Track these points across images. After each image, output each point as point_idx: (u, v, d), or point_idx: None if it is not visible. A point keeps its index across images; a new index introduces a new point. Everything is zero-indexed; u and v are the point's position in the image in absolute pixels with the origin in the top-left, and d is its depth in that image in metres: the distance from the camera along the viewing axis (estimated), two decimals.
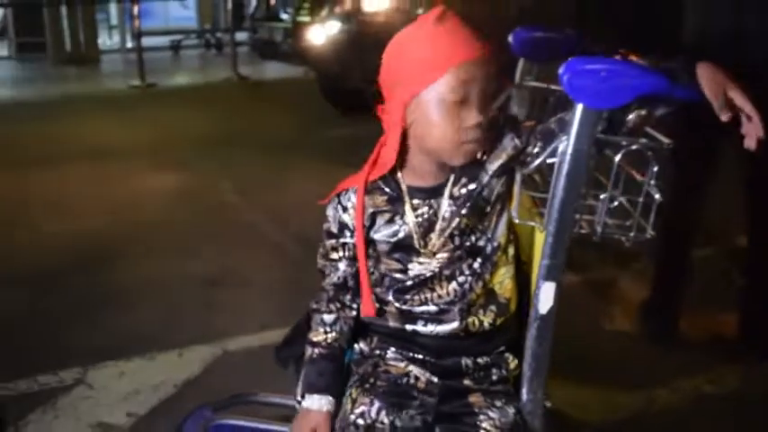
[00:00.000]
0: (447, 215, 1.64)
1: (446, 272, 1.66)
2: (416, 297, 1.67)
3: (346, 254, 1.71)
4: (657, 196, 1.59)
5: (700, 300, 3.47)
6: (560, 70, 1.48)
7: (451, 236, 1.64)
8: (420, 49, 1.54)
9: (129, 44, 14.73)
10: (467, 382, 1.68)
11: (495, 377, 1.70)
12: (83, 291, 3.80)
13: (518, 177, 1.64)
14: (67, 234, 4.57)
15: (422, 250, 1.65)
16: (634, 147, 1.55)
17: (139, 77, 10.65)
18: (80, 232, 4.62)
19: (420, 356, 1.69)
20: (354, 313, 1.74)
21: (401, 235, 1.66)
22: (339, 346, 1.73)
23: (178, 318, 3.55)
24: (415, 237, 1.65)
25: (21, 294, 3.77)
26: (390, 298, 1.69)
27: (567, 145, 1.50)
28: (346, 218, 1.68)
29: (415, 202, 1.65)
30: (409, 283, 1.67)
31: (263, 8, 8.66)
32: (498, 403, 1.66)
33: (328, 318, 1.73)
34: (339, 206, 1.70)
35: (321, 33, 7.35)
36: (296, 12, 7.81)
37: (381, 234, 1.67)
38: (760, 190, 3.08)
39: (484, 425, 1.62)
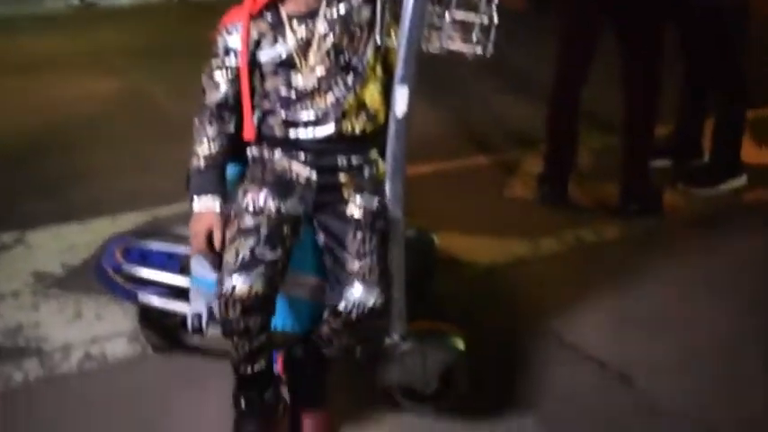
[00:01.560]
0: (322, 33, 1.94)
1: (324, 86, 1.96)
2: (299, 107, 1.97)
3: (229, 76, 2.00)
4: (495, 17, 1.89)
5: (590, 174, 3.89)
6: None
7: (327, 53, 1.94)
8: None
9: None
10: (342, 177, 2.00)
11: (366, 175, 2.02)
12: (22, 173, 4.03)
13: (379, 5, 1.93)
14: (12, 129, 4.74)
15: (302, 66, 1.95)
16: None
17: None
18: (21, 129, 4.81)
19: (302, 157, 1.99)
20: (232, 129, 2.03)
21: (284, 55, 1.95)
22: (221, 158, 2.03)
23: (112, 194, 3.79)
24: (295, 55, 1.94)
25: None
26: (277, 109, 1.98)
27: None
28: (231, 41, 1.97)
29: (295, 25, 1.94)
30: (293, 96, 1.97)
31: None
32: (366, 194, 1.98)
33: (211, 131, 2.02)
34: (225, 32, 1.98)
35: None
36: None
37: (267, 55, 1.97)
38: (631, 74, 3.47)
39: (350, 208, 1.96)
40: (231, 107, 2.02)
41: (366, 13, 1.96)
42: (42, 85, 5.98)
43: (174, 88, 5.77)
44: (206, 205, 1.98)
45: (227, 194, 2.02)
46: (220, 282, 1.85)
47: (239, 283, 1.83)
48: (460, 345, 2.20)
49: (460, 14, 1.88)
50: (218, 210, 1.97)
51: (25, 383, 2.44)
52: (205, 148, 2.01)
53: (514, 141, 4.50)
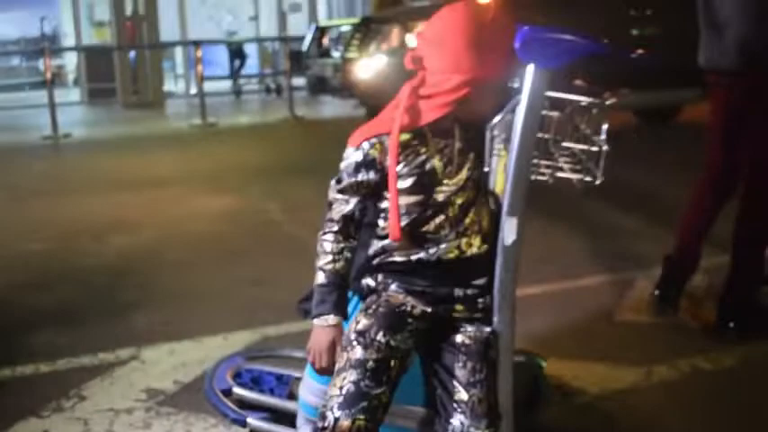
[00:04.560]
0: (462, 148, 1.96)
1: (458, 200, 1.95)
2: (431, 221, 1.95)
3: (362, 191, 1.99)
4: (605, 147, 1.89)
5: (702, 295, 3.80)
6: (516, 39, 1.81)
7: (465, 167, 1.95)
8: (496, 45, 1.85)
9: (193, 90, 15.42)
10: (457, 308, 1.98)
11: (480, 305, 2.00)
12: (138, 287, 4.19)
13: (488, 134, 1.96)
14: (134, 244, 4.99)
15: (443, 179, 1.95)
16: (582, 103, 1.86)
17: (201, 117, 11.22)
18: (139, 243, 5.03)
19: (419, 288, 1.98)
20: (356, 244, 2.03)
21: (427, 166, 1.94)
22: (344, 272, 2.01)
23: (225, 310, 3.89)
24: (438, 167, 1.95)
25: (91, 288, 4.20)
26: (407, 226, 1.96)
27: (521, 101, 1.82)
28: (371, 154, 1.95)
29: (436, 139, 1.95)
30: (429, 212, 1.95)
31: (316, 46, 9.40)
32: (477, 323, 1.96)
33: (335, 247, 2.00)
34: (368, 145, 1.96)
35: (368, 67, 7.80)
36: (345, 48, 8.35)
37: (409, 167, 1.94)
38: (744, 208, 3.45)
39: (459, 335, 1.94)
40: (357, 222, 2.01)
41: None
42: (161, 201, 6.28)
43: (288, 205, 5.96)
44: (328, 323, 1.96)
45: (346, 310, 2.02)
46: (323, 415, 1.84)
47: (342, 417, 1.81)
48: None
49: (570, 144, 1.89)
50: (337, 324, 1.96)
51: None
52: (329, 263, 2.00)
53: (624, 261, 4.42)
